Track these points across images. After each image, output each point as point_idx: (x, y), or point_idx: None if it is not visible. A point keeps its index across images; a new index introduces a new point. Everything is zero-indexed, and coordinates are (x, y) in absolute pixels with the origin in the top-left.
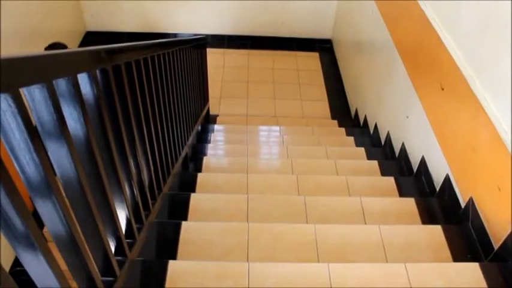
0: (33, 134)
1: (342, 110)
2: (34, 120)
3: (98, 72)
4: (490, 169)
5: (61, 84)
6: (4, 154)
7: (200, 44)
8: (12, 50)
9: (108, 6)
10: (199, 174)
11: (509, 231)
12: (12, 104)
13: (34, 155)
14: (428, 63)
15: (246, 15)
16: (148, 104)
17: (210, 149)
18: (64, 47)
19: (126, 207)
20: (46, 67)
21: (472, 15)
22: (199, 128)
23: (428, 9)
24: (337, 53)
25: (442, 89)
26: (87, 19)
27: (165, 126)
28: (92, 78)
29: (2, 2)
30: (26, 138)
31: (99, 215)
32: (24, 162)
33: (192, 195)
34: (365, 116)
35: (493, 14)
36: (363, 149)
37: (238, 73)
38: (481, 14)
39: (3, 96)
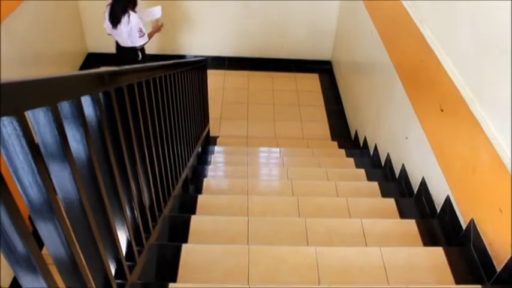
0: (37, 156)
1: (341, 131)
2: (37, 142)
3: (100, 94)
4: (491, 191)
5: (65, 107)
6: (7, 175)
7: (201, 65)
8: (14, 72)
9: None
10: (199, 196)
11: None
12: (17, 127)
13: (38, 177)
14: (428, 84)
15: (246, 38)
16: (150, 126)
17: (211, 170)
18: None
19: (127, 229)
20: (51, 90)
21: (471, 37)
22: (200, 149)
23: (427, 31)
24: (337, 74)
25: (442, 110)
26: (88, 41)
27: (165, 148)
28: (95, 101)
29: (4, 25)
30: (30, 160)
31: (100, 237)
32: (27, 184)
33: (193, 217)
34: (365, 137)
35: (492, 36)
36: (363, 170)
37: (239, 94)
38: (479, 36)
39: (9, 119)
